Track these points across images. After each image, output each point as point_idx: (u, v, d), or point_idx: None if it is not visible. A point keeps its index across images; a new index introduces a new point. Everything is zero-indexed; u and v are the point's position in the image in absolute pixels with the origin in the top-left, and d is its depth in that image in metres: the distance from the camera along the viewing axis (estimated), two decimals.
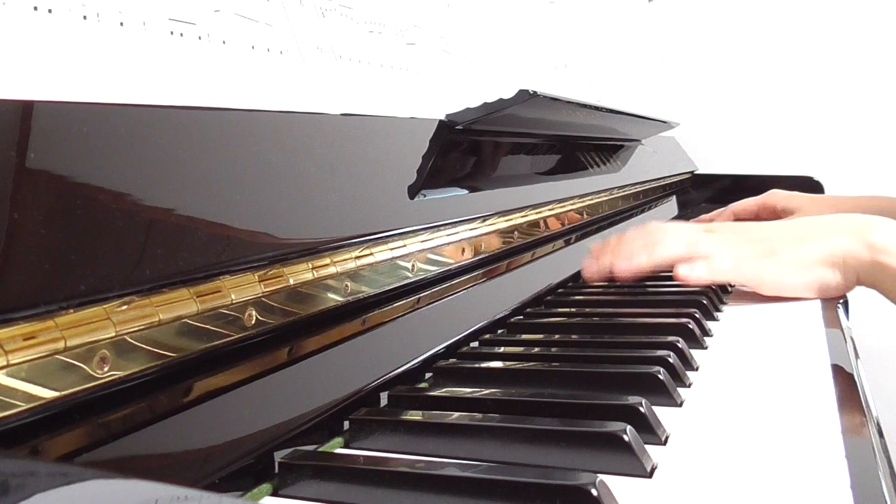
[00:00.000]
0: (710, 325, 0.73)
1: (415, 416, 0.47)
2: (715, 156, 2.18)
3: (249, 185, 0.44)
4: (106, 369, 0.33)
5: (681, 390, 0.53)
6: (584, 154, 1.16)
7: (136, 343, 0.35)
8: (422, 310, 0.60)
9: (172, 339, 0.37)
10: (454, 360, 0.60)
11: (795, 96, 2.19)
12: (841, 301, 0.83)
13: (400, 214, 0.58)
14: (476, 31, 0.91)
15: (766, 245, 0.81)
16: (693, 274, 0.81)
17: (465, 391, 0.52)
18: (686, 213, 1.84)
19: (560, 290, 0.89)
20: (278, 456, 0.41)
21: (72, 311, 0.32)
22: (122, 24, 0.42)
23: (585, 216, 1.07)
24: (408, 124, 0.65)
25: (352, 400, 0.48)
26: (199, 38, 0.47)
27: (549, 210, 0.92)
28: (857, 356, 0.65)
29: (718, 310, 0.81)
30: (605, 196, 1.18)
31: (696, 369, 0.60)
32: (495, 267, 0.75)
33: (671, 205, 1.76)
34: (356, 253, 0.52)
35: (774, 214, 1.25)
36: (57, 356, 0.31)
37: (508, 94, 0.67)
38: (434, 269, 0.62)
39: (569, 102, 0.79)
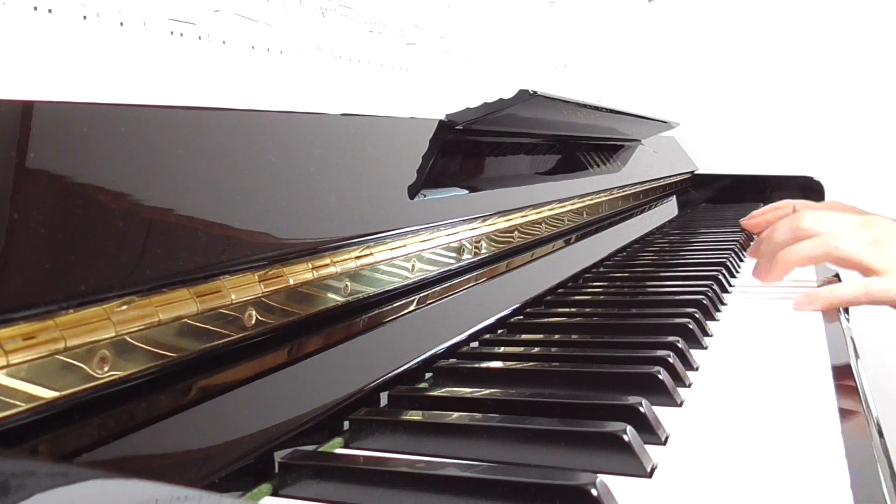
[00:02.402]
0: (710, 325, 0.73)
1: (415, 416, 0.47)
2: (715, 156, 2.18)
3: (249, 185, 0.44)
4: (106, 369, 0.33)
5: (681, 390, 0.53)
6: (584, 154, 1.16)
7: (136, 343, 0.35)
8: (422, 310, 0.60)
9: (172, 339, 0.37)
10: (454, 360, 0.60)
11: (795, 96, 2.19)
12: None
13: (400, 214, 0.58)
14: (476, 31, 0.91)
15: None
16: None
17: (465, 391, 0.52)
18: (686, 212, 1.84)
19: (560, 290, 0.89)
20: (278, 456, 0.41)
21: (72, 311, 0.32)
22: (122, 24, 0.42)
23: (585, 216, 1.07)
24: (408, 124, 0.65)
25: (352, 400, 0.48)
26: (199, 38, 0.47)
27: (549, 210, 0.92)
28: (857, 356, 0.65)
29: (718, 310, 0.81)
30: (605, 196, 1.18)
31: (696, 369, 0.60)
32: (495, 267, 0.75)
33: (671, 205, 1.76)
34: (356, 253, 0.52)
35: None
36: (57, 356, 0.31)
37: (508, 94, 0.67)
38: (434, 269, 0.62)
39: (569, 102, 0.79)
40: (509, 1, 1.07)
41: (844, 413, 0.48)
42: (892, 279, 0.76)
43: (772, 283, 0.85)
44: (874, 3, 2.13)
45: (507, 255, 0.78)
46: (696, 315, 0.71)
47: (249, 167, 0.44)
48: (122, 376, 0.34)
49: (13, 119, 0.32)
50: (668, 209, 1.70)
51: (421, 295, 0.60)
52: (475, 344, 0.66)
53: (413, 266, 0.59)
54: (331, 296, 0.49)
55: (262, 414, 0.42)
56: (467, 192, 0.73)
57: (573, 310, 0.80)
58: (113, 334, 0.33)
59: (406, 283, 0.58)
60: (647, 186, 1.49)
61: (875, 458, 0.42)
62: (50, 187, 0.32)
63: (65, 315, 0.31)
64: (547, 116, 0.84)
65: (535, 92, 0.67)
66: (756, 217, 1.29)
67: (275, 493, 0.40)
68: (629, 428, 0.42)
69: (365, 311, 0.53)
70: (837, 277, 0.87)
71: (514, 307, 0.76)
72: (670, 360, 0.56)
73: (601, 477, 0.36)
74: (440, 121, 0.67)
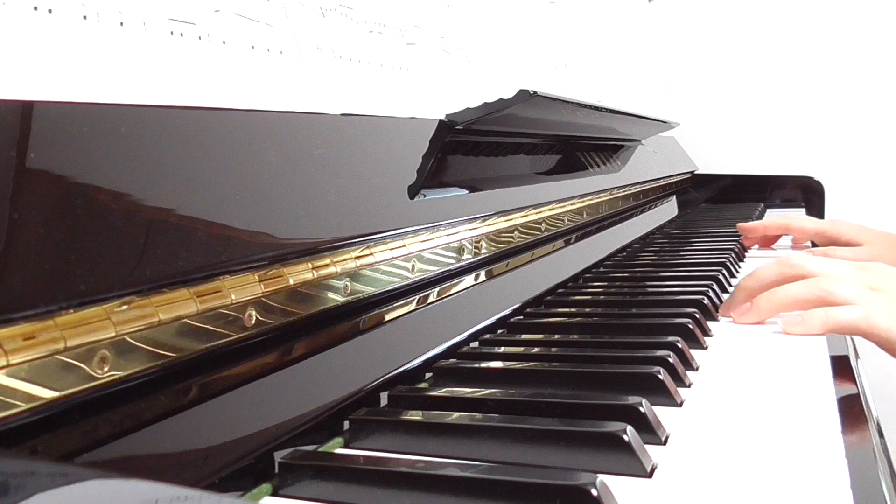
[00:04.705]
0: (710, 325, 0.73)
1: (415, 416, 0.47)
2: (715, 156, 2.18)
3: (249, 185, 0.44)
4: (106, 369, 0.33)
5: (681, 390, 0.53)
6: (584, 154, 1.16)
7: (136, 343, 0.35)
8: (422, 310, 0.60)
9: (172, 340, 0.37)
10: (454, 360, 0.60)
11: (795, 96, 2.19)
12: None
13: (400, 214, 0.58)
14: (476, 32, 0.91)
15: None
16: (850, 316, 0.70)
17: (465, 391, 0.52)
18: (686, 212, 1.84)
19: (560, 290, 0.89)
20: (278, 456, 0.41)
21: (72, 311, 0.32)
22: (122, 24, 0.42)
23: (585, 216, 1.07)
24: (408, 124, 0.65)
25: (352, 400, 0.48)
26: (199, 38, 0.47)
27: (549, 210, 0.92)
28: (857, 356, 0.65)
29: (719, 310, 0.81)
30: (605, 196, 1.19)
31: (696, 369, 0.60)
32: (495, 267, 0.75)
33: (671, 205, 1.77)
34: (356, 253, 0.52)
35: (832, 243, 1.18)
36: (57, 356, 0.31)
37: (508, 94, 0.67)
38: (434, 269, 0.62)
39: (569, 102, 0.79)
40: (509, 1, 1.07)
41: (844, 413, 0.48)
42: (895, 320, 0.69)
43: (745, 324, 0.76)
44: (874, 3, 2.13)
45: (507, 255, 0.78)
46: (696, 315, 0.71)
47: (249, 167, 0.44)
48: (122, 376, 0.34)
49: (13, 119, 0.32)
50: (668, 209, 1.70)
51: (421, 295, 0.60)
52: (475, 344, 0.66)
53: (413, 266, 0.59)
54: (331, 296, 0.49)
55: (262, 414, 0.42)
56: (467, 192, 0.73)
57: (573, 310, 0.80)
58: (113, 334, 0.33)
59: (406, 283, 0.58)
60: (647, 186, 1.49)
61: (875, 458, 0.42)
62: (50, 187, 0.32)
63: (65, 315, 0.31)
64: (547, 116, 0.84)
65: (534, 92, 0.67)
66: (751, 224, 1.29)
67: (275, 493, 0.40)
68: (629, 428, 0.42)
69: (365, 311, 0.53)
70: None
71: (514, 307, 0.76)
72: (670, 360, 0.56)
73: (601, 477, 0.36)
74: (440, 121, 0.67)
